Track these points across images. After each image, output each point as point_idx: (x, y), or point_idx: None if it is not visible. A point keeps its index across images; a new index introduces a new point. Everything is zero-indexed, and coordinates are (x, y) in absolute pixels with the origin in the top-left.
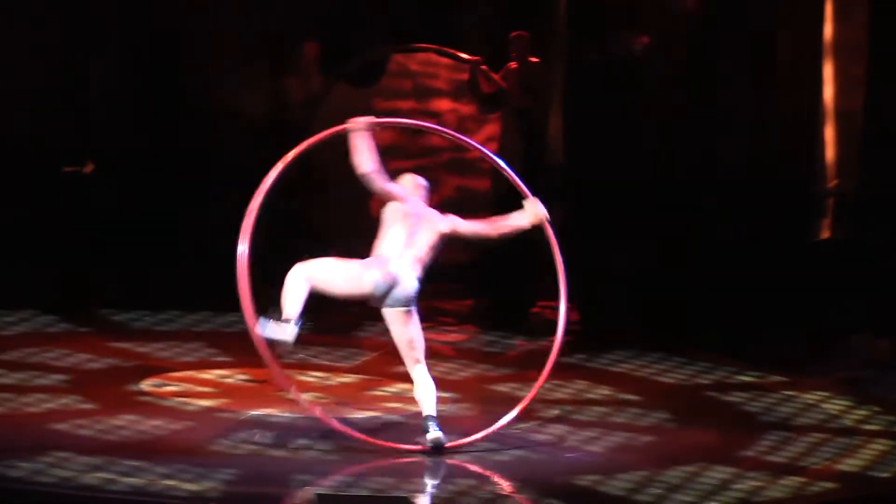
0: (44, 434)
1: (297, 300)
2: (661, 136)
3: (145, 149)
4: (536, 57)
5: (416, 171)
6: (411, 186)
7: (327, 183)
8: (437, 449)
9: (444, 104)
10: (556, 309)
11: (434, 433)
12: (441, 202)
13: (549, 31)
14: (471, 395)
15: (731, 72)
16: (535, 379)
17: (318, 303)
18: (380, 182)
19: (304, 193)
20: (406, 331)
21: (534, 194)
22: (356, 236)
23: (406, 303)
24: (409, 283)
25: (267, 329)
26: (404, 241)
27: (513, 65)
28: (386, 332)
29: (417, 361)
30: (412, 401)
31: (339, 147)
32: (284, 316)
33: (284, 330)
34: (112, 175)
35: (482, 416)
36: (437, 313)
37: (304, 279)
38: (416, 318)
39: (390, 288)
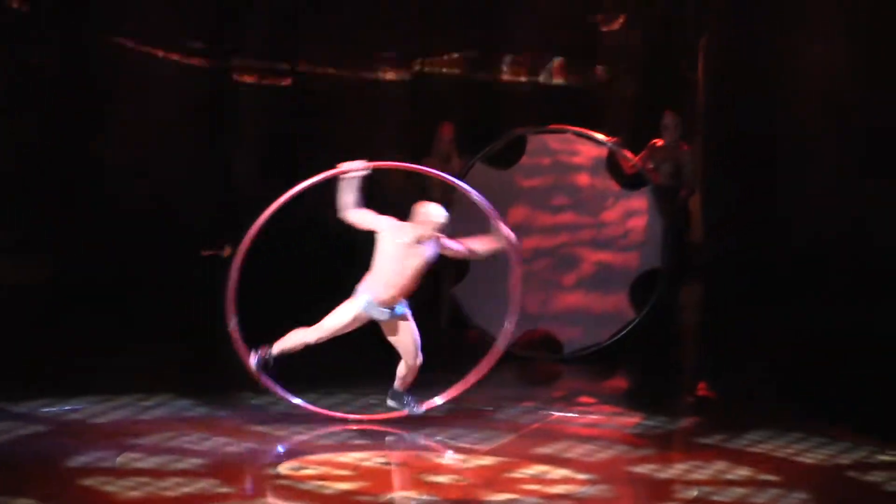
0: None
1: (287, 345)
2: (796, 212)
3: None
4: (681, 138)
5: (557, 248)
6: (417, 215)
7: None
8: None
9: (583, 179)
10: (708, 391)
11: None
12: (580, 279)
13: (689, 112)
14: (609, 477)
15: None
16: (675, 460)
17: (451, 382)
18: (361, 217)
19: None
20: (398, 338)
21: (674, 272)
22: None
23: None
24: (398, 309)
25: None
26: (392, 270)
27: (658, 141)
28: (525, 413)
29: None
30: (550, 482)
31: None
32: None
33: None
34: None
35: (621, 498)
36: (578, 393)
37: (301, 339)
38: (409, 324)
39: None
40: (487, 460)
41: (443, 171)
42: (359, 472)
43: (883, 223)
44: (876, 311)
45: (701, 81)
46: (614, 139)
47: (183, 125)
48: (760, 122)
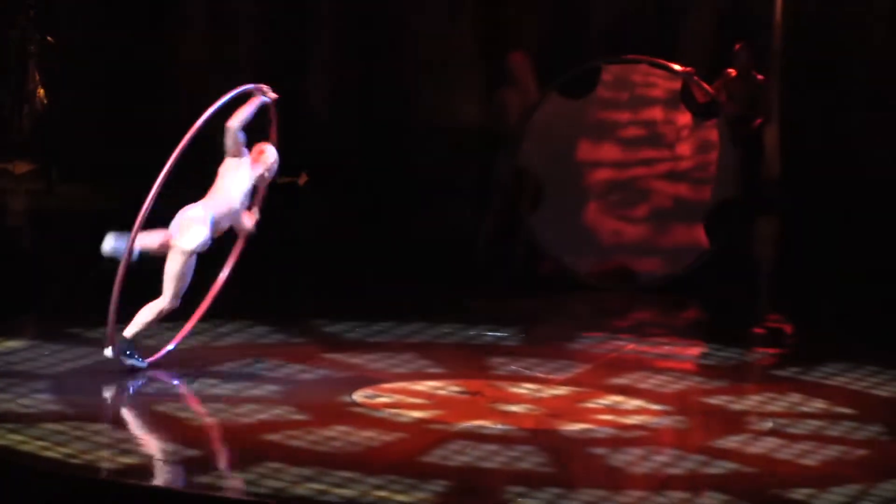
0: (257, 445)
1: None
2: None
3: (357, 160)
4: (754, 68)
5: (633, 180)
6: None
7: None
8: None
9: (658, 113)
10: (783, 323)
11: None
12: (654, 211)
13: (765, 44)
14: (683, 408)
15: None
16: (749, 392)
17: (530, 313)
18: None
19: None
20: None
21: (749, 204)
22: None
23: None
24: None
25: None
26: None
27: (731, 72)
28: (599, 344)
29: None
30: (625, 413)
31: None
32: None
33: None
34: (325, 187)
35: (695, 429)
36: (652, 325)
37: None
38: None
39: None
40: (562, 390)
41: (519, 102)
42: (433, 401)
43: None
44: None
45: (778, 11)
46: (689, 69)
47: None
48: (836, 52)
